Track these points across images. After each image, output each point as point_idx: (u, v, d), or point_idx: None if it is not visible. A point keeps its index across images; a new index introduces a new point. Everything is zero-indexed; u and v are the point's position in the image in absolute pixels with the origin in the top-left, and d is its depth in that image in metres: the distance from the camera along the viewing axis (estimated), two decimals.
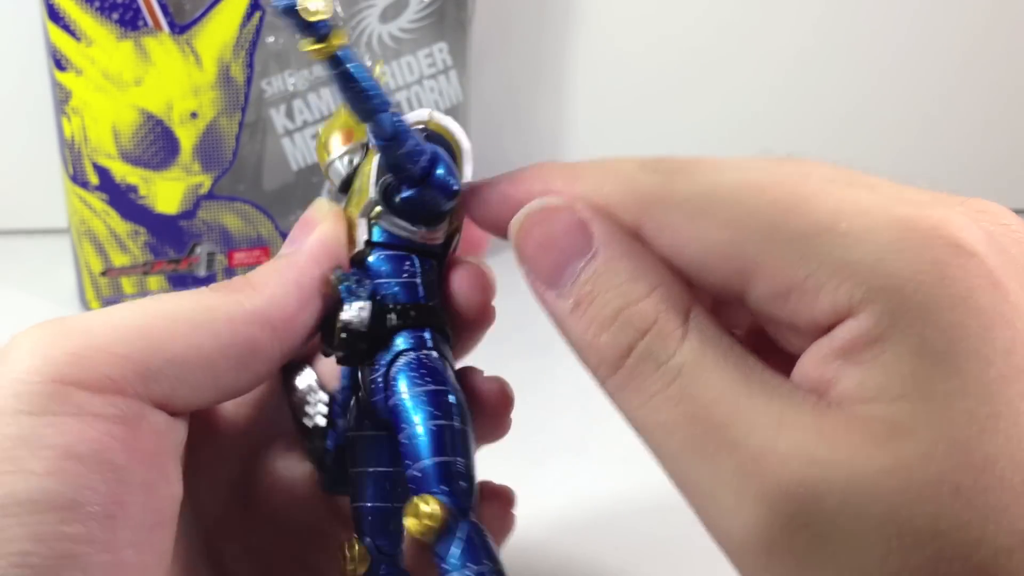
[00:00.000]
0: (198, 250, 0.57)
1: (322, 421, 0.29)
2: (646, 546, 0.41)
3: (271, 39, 0.53)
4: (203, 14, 0.51)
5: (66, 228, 0.57)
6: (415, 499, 0.24)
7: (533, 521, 0.40)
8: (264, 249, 0.58)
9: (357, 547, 0.27)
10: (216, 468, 0.29)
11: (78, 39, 0.50)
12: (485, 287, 0.28)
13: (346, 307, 0.26)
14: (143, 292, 0.57)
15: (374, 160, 0.27)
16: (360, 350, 0.26)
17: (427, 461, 0.24)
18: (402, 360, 0.26)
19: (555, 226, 0.23)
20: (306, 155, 0.56)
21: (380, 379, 0.26)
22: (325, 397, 0.29)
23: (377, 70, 0.30)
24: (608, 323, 0.22)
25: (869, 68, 0.71)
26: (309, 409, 0.29)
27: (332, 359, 0.28)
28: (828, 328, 0.20)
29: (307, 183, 0.57)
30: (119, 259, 0.56)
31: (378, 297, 0.27)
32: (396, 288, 0.27)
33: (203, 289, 0.25)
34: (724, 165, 0.22)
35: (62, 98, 0.52)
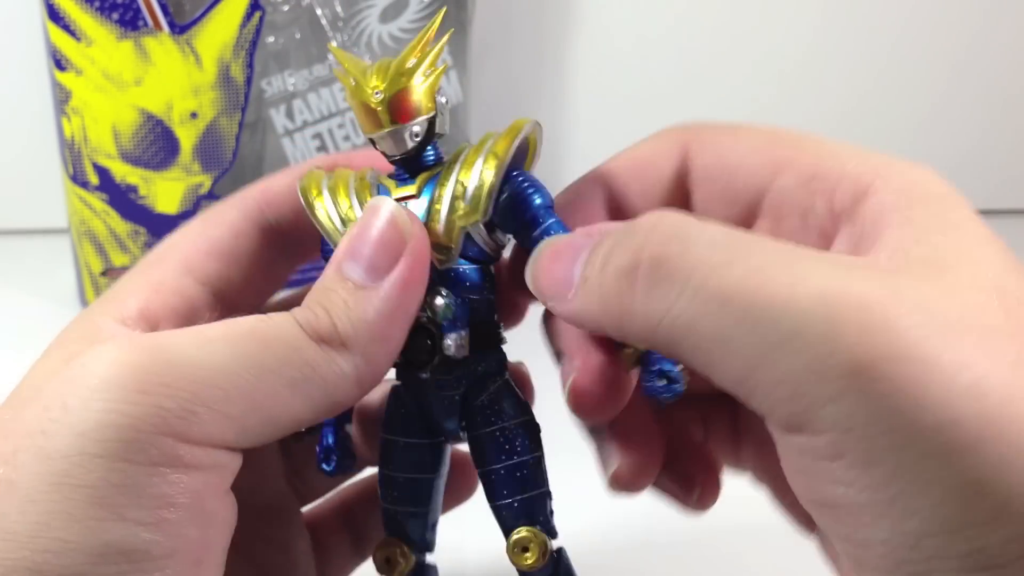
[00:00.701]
0: None
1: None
2: (647, 545, 0.41)
3: (271, 39, 0.53)
4: (203, 14, 0.51)
5: (66, 228, 0.57)
6: (522, 530, 0.26)
7: None
8: None
9: (403, 547, 0.27)
10: None
11: (78, 39, 0.50)
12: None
13: (448, 336, 0.25)
14: None
15: (492, 174, 0.25)
16: (446, 371, 0.26)
17: (530, 494, 0.26)
18: (492, 386, 0.26)
19: (557, 245, 0.25)
20: (306, 155, 0.56)
21: (457, 397, 0.26)
22: None
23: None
24: (622, 241, 0.23)
25: (869, 67, 0.71)
26: None
27: None
28: (846, 211, 0.23)
29: None
30: (119, 259, 0.56)
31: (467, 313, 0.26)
32: (481, 304, 0.26)
33: (296, 329, 0.23)
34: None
35: (62, 98, 0.52)
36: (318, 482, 0.33)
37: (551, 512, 0.27)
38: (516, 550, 0.26)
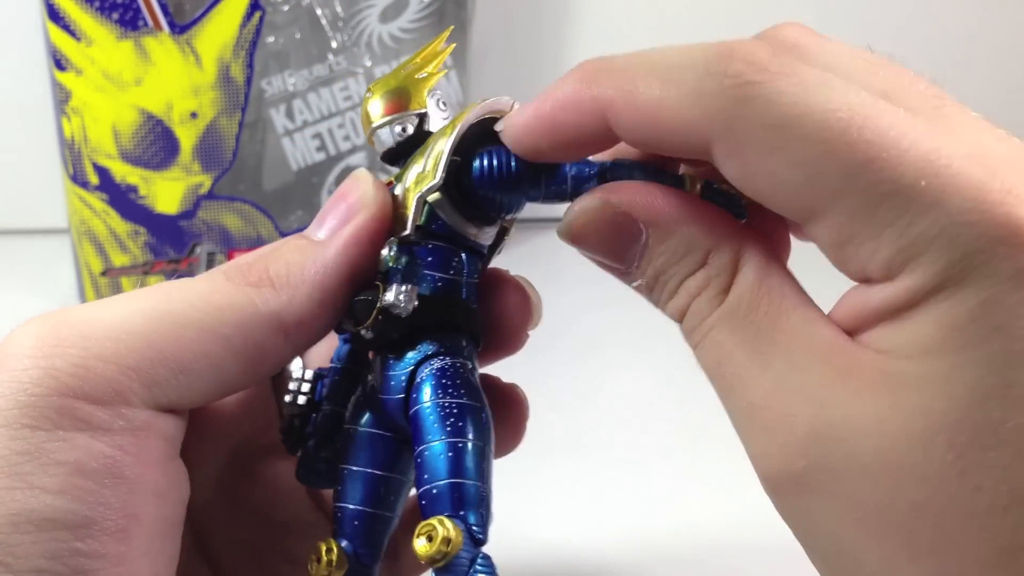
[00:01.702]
0: (198, 250, 0.57)
1: (302, 400, 0.27)
2: (648, 545, 0.41)
3: (271, 39, 0.53)
4: (203, 14, 0.51)
5: (66, 228, 0.57)
6: (432, 520, 0.22)
7: (535, 520, 0.40)
8: None
9: (336, 550, 0.25)
10: (202, 460, 0.28)
11: (78, 39, 0.50)
12: (530, 313, 0.27)
13: (391, 287, 0.24)
14: None
15: (446, 140, 0.25)
16: (390, 338, 0.25)
17: (449, 481, 0.22)
18: (437, 364, 0.24)
19: (603, 228, 0.23)
20: (306, 155, 0.56)
21: (403, 377, 0.25)
22: (310, 375, 0.28)
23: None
24: (672, 293, 0.23)
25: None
26: (292, 386, 0.27)
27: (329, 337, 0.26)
28: (872, 281, 0.20)
29: (307, 183, 0.57)
30: (119, 259, 0.56)
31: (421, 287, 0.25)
32: (439, 283, 0.25)
33: (217, 276, 0.23)
34: (805, 84, 0.20)
35: (62, 98, 0.52)
36: None
37: (484, 516, 0.23)
38: (416, 536, 0.22)
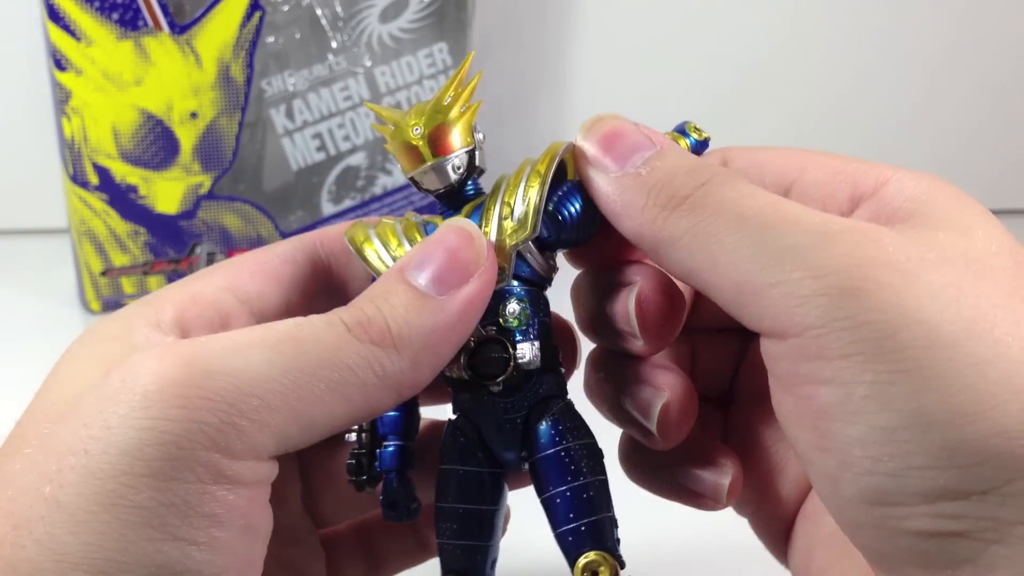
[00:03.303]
0: (198, 250, 0.57)
1: (366, 438, 0.28)
2: (648, 544, 0.41)
3: (271, 39, 0.53)
4: (203, 14, 0.51)
5: (66, 228, 0.57)
6: (591, 555, 0.25)
7: (537, 520, 0.40)
8: None
9: None
10: None
11: (78, 39, 0.50)
12: (576, 358, 0.30)
13: (521, 347, 0.26)
14: (143, 292, 0.57)
15: (537, 191, 0.26)
16: (515, 387, 0.26)
17: (593, 519, 0.25)
18: (554, 407, 0.26)
19: (626, 124, 0.26)
20: (306, 155, 0.56)
21: (519, 420, 0.26)
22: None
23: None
24: (683, 174, 0.25)
25: (868, 65, 0.71)
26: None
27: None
28: (867, 194, 0.26)
29: (307, 183, 0.57)
30: (119, 259, 0.56)
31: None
32: (541, 327, 0.26)
33: (340, 328, 0.23)
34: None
35: (62, 98, 0.52)
36: (334, 505, 0.32)
37: (618, 540, 0.26)
38: (583, 573, 0.25)
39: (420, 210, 0.56)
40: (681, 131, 0.28)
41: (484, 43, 0.61)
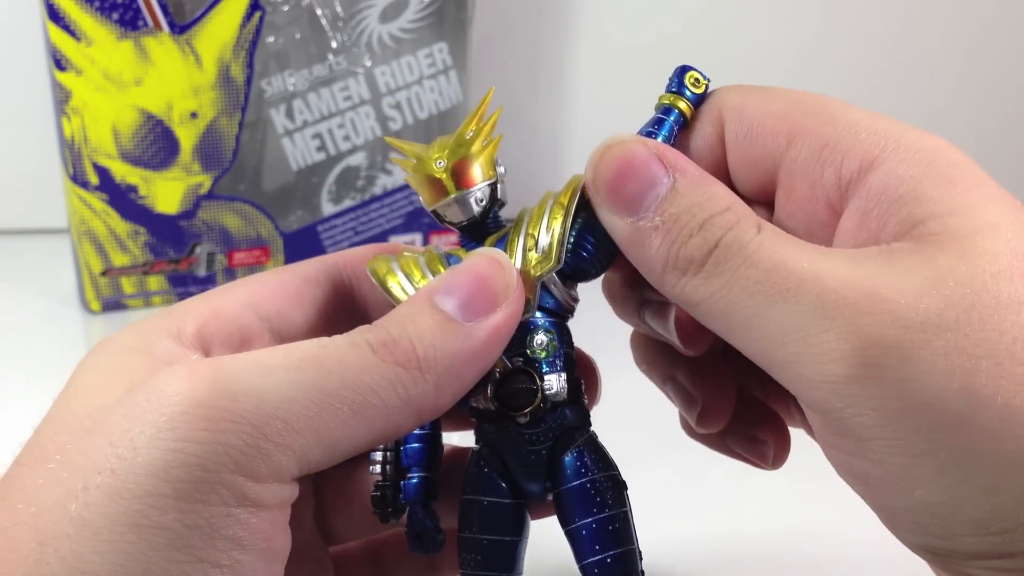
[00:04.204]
0: (198, 250, 0.57)
1: (390, 470, 0.28)
2: (649, 544, 0.41)
3: (271, 39, 0.53)
4: (203, 14, 0.51)
5: (66, 228, 0.57)
6: None
7: (541, 521, 0.40)
8: (264, 249, 0.58)
9: None
10: None
11: (78, 39, 0.50)
12: (597, 392, 0.30)
13: (549, 378, 0.26)
14: (143, 292, 0.57)
15: (560, 223, 0.26)
16: (540, 418, 0.26)
17: (620, 551, 0.25)
18: (579, 439, 0.26)
19: (632, 160, 0.25)
20: (306, 155, 0.56)
21: (544, 452, 0.26)
22: (391, 443, 0.28)
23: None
24: (696, 230, 0.24)
25: (868, 66, 0.71)
26: (377, 456, 0.28)
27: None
28: (853, 181, 0.24)
29: (307, 183, 0.57)
30: (119, 259, 0.56)
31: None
32: (567, 358, 0.27)
33: (365, 348, 0.23)
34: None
35: (62, 98, 0.52)
36: (346, 523, 0.32)
37: (642, 572, 0.26)
38: None
39: (420, 212, 0.56)
40: (679, 89, 0.29)
41: (484, 43, 0.61)
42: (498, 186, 0.27)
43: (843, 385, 0.22)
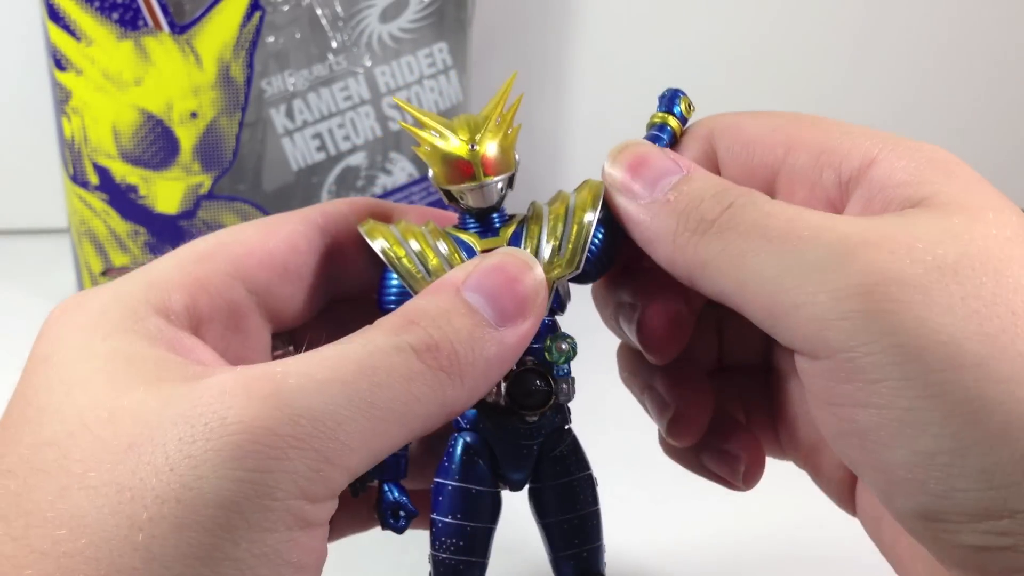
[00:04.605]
0: None
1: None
2: (648, 543, 0.41)
3: (271, 39, 0.53)
4: (203, 14, 0.51)
5: (66, 228, 0.57)
6: None
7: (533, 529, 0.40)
8: None
9: None
10: None
11: (78, 39, 0.50)
12: None
13: (565, 381, 0.27)
14: None
15: (582, 230, 0.26)
16: (540, 419, 0.27)
17: (597, 545, 0.27)
18: (567, 439, 0.27)
19: (651, 150, 0.27)
20: (306, 155, 0.56)
21: (535, 447, 0.27)
22: None
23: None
24: (709, 197, 0.25)
25: (874, 67, 0.71)
26: None
27: None
28: (854, 178, 0.25)
29: (307, 183, 0.57)
30: (119, 259, 0.56)
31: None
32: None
33: (410, 355, 0.23)
34: None
35: (62, 98, 0.52)
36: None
37: (604, 565, 0.28)
38: None
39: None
40: (670, 108, 0.29)
41: (484, 43, 0.61)
42: (514, 176, 0.27)
43: (860, 320, 0.22)
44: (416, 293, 0.26)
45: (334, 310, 0.30)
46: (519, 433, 0.27)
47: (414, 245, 0.27)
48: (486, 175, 0.26)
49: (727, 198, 0.25)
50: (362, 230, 0.27)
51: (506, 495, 0.28)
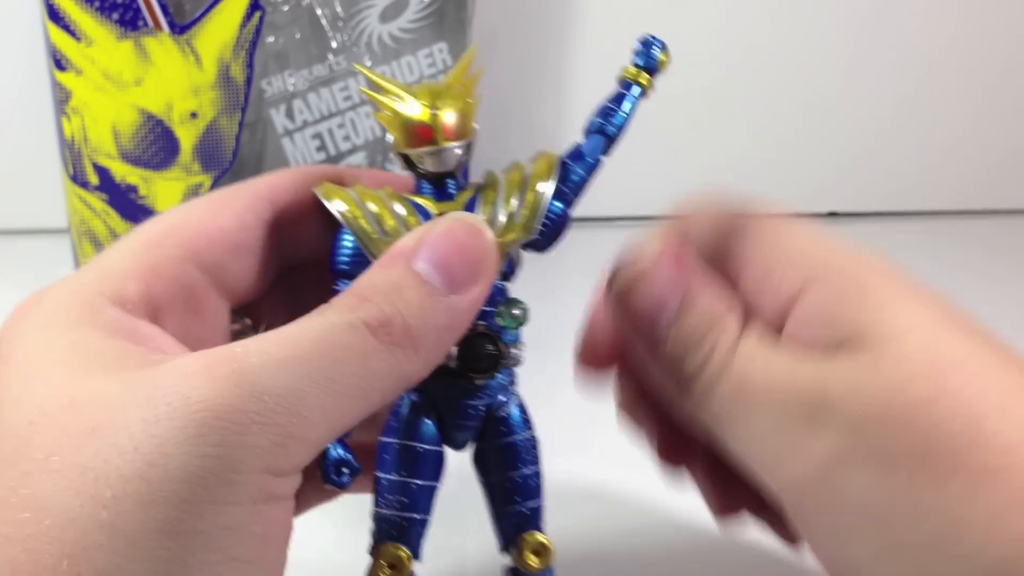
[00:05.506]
0: None
1: None
2: (647, 542, 0.41)
3: (271, 39, 0.53)
4: (203, 14, 0.51)
5: (66, 228, 0.57)
6: (538, 536, 0.28)
7: None
8: None
9: (408, 557, 0.27)
10: None
11: (78, 39, 0.50)
12: None
13: (515, 345, 0.27)
14: None
15: (542, 196, 0.27)
16: (487, 382, 0.28)
17: (538, 503, 0.28)
18: (515, 400, 0.28)
19: (650, 272, 0.28)
20: (306, 155, 0.56)
21: (482, 407, 0.28)
22: None
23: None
24: (691, 345, 0.27)
25: (870, 68, 0.71)
26: None
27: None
28: (785, 305, 0.27)
29: None
30: None
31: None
32: None
33: (363, 331, 0.23)
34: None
35: (62, 98, 0.52)
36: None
37: (544, 523, 0.29)
38: (529, 552, 0.28)
39: None
40: (647, 64, 0.31)
41: (484, 43, 0.61)
42: (473, 144, 0.28)
43: (802, 484, 0.25)
44: (372, 254, 0.26)
45: (288, 278, 0.30)
46: (467, 394, 0.27)
47: (371, 207, 0.27)
48: (445, 140, 0.27)
49: (704, 349, 0.27)
50: (319, 192, 0.28)
51: (450, 453, 0.29)
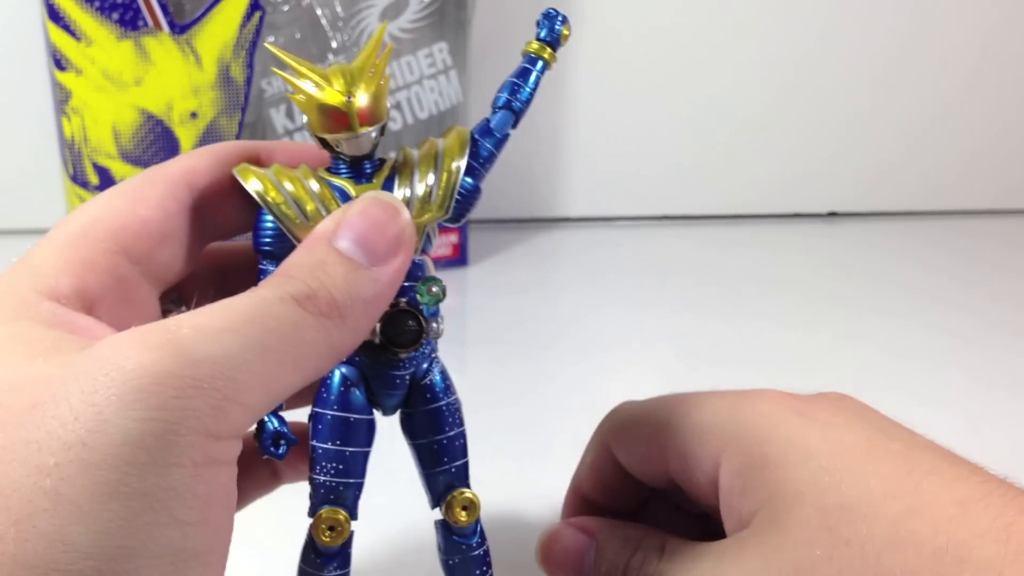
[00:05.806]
0: None
1: None
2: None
3: (271, 39, 0.53)
4: (203, 14, 0.51)
5: None
6: (466, 492, 0.30)
7: (535, 518, 0.40)
8: None
9: (347, 518, 0.29)
10: None
11: (78, 39, 0.50)
12: None
13: (435, 320, 0.29)
14: None
15: (454, 177, 0.28)
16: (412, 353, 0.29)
17: (463, 461, 0.30)
18: (437, 367, 0.30)
19: (563, 545, 0.32)
20: None
21: (407, 376, 0.29)
22: None
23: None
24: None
25: (870, 68, 0.71)
26: None
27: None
28: (708, 483, 0.30)
29: None
30: None
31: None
32: None
33: (291, 304, 0.24)
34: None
35: (62, 98, 0.52)
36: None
37: (470, 479, 0.30)
38: (458, 507, 0.29)
39: None
40: (551, 38, 0.31)
41: (484, 43, 0.61)
42: (386, 125, 0.28)
43: None
44: (295, 236, 0.27)
45: (211, 256, 0.31)
46: (392, 365, 0.29)
47: (289, 187, 0.28)
48: (361, 125, 0.28)
49: None
50: (237, 174, 0.28)
51: (380, 418, 0.30)
